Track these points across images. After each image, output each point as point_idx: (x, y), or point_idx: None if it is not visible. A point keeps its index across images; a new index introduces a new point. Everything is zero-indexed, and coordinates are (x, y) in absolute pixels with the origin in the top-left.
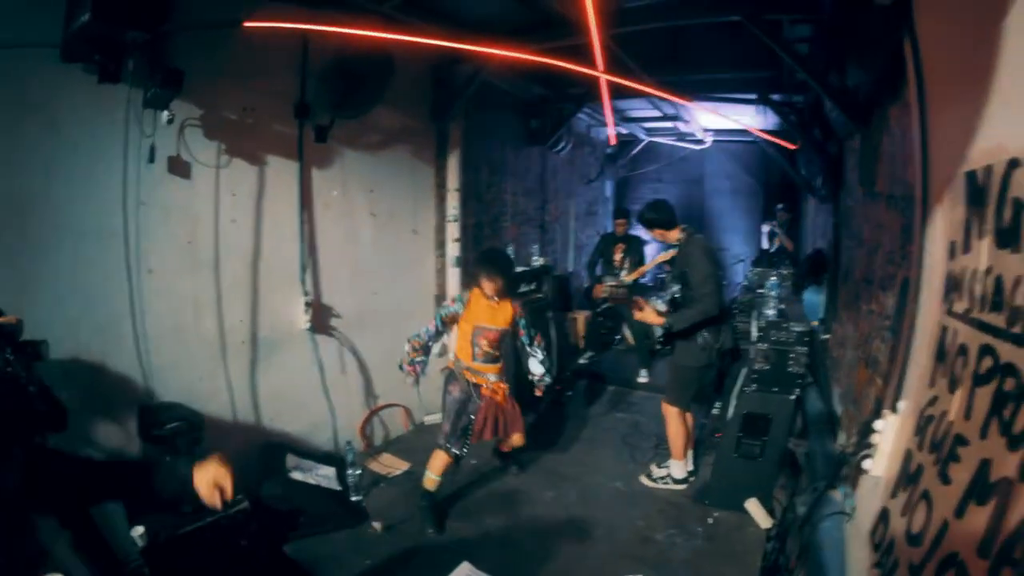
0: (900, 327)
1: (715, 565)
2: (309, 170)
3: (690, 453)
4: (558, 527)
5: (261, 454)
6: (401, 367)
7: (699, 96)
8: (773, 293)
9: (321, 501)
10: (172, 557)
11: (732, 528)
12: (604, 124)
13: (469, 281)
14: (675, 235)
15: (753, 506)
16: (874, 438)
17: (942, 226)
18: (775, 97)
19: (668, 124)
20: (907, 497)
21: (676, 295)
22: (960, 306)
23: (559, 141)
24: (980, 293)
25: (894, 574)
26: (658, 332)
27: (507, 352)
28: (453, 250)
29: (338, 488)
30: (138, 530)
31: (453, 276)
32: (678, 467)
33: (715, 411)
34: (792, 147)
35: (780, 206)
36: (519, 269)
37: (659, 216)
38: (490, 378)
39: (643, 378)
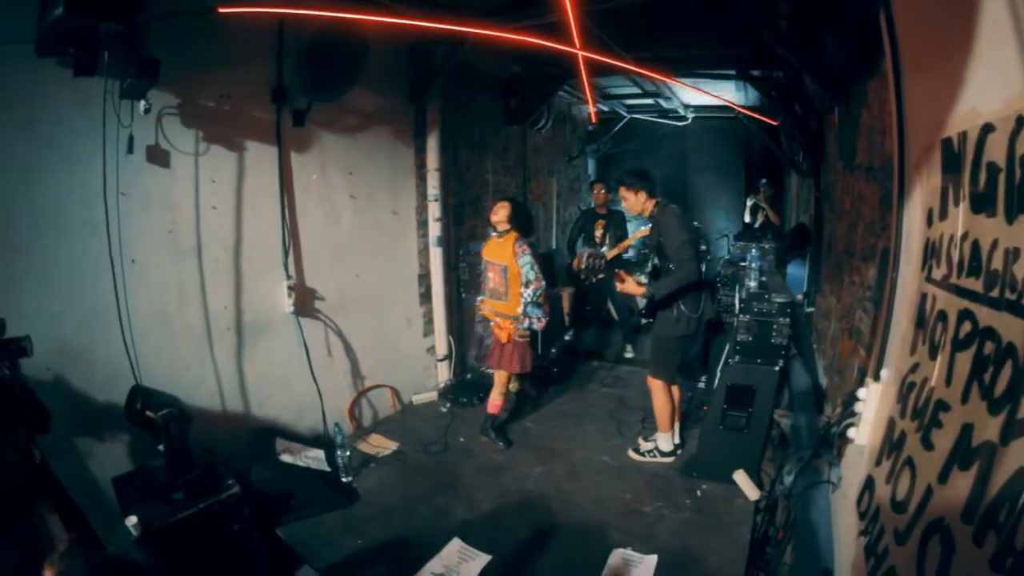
0: (881, 297)
1: (703, 536)
2: (288, 154)
3: (677, 426)
4: (547, 502)
5: (250, 439)
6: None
7: (678, 73)
8: (754, 266)
9: (311, 483)
10: (167, 545)
11: (720, 500)
12: (584, 102)
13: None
14: (650, 207)
15: (741, 478)
16: (857, 407)
17: (920, 194)
18: (754, 73)
19: (649, 101)
20: (891, 464)
21: (656, 264)
22: (938, 273)
23: (539, 119)
24: (957, 259)
25: (880, 541)
26: (641, 304)
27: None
28: (434, 230)
29: (328, 470)
30: (131, 520)
31: (436, 256)
32: (665, 440)
33: (701, 385)
34: (774, 123)
35: (763, 181)
36: None
37: (641, 181)
38: (496, 314)
39: (628, 353)
